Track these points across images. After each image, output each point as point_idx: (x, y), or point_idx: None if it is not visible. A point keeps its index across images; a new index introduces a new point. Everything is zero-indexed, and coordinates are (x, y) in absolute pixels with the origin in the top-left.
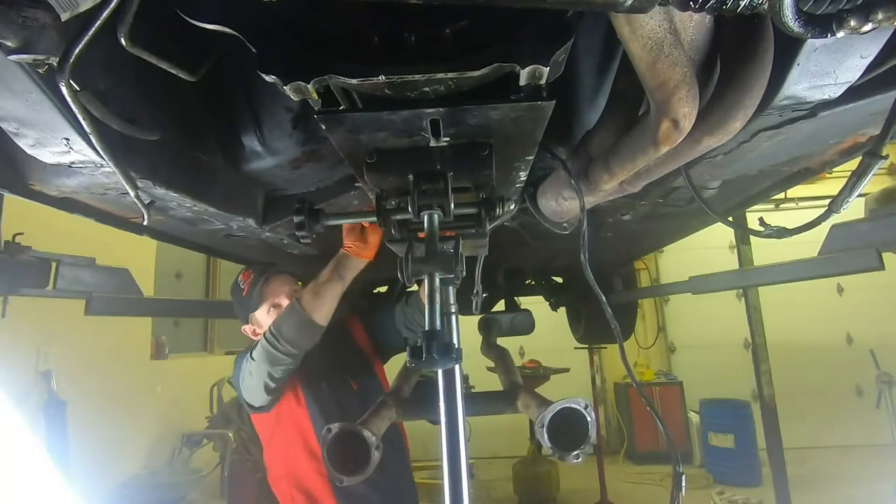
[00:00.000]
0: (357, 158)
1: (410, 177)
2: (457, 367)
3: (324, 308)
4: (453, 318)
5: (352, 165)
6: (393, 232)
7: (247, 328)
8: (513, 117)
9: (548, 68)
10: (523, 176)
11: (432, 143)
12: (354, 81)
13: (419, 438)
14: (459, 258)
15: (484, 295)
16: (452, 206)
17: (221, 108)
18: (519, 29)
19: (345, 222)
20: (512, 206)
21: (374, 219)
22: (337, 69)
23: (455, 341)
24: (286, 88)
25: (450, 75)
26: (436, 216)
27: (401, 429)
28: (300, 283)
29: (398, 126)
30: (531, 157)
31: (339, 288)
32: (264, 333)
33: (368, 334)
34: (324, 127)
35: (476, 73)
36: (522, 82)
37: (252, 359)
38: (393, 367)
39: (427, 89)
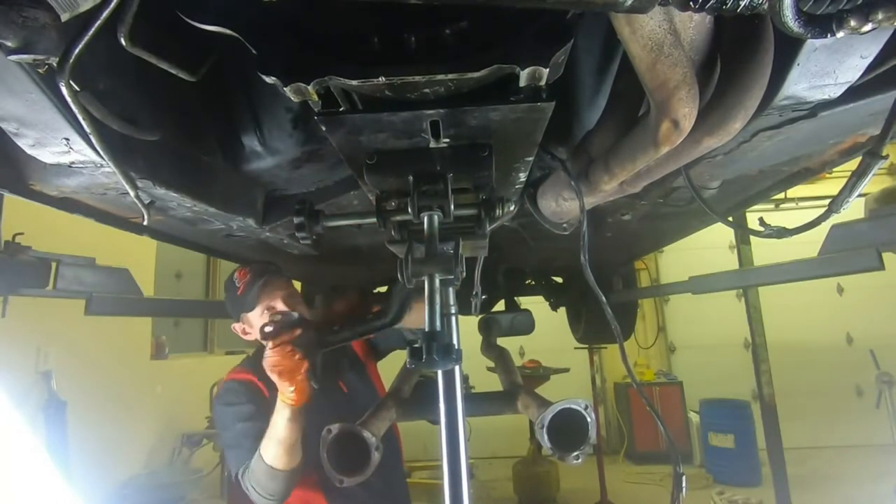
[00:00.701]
0: (357, 159)
1: (410, 178)
2: (457, 367)
3: (291, 456)
4: (453, 318)
5: (351, 166)
6: (393, 233)
7: (237, 326)
8: (512, 118)
9: (547, 70)
10: (523, 177)
11: (432, 145)
12: (355, 83)
13: (419, 438)
14: (459, 259)
15: (483, 297)
16: (452, 207)
17: (221, 108)
18: (519, 30)
19: (345, 223)
20: (512, 207)
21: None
22: (337, 70)
23: (455, 342)
24: (286, 90)
25: (450, 76)
26: (436, 217)
27: (394, 428)
28: (298, 284)
29: (398, 127)
30: (531, 158)
31: (295, 434)
32: (252, 485)
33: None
34: (324, 128)
35: (476, 75)
36: (522, 83)
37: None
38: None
39: (427, 90)
